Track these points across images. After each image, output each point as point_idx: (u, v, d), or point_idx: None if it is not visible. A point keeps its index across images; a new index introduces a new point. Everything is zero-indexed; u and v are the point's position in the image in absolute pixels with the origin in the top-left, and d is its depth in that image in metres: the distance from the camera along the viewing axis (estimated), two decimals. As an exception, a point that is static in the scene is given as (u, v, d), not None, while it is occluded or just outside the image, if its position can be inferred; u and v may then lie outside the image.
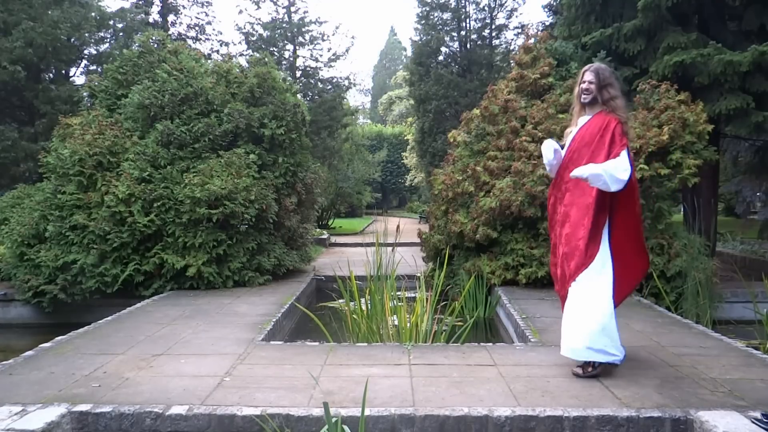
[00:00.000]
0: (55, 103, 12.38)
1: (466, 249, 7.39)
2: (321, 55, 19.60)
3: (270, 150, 7.83)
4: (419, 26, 18.94)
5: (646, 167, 6.29)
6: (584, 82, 3.73)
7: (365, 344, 4.62)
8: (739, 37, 7.89)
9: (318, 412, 3.04)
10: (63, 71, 13.87)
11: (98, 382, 3.59)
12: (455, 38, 18.89)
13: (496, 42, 19.05)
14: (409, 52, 24.13)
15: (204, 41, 19.89)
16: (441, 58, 18.88)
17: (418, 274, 6.31)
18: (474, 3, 18.85)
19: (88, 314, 6.44)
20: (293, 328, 6.17)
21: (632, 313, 5.49)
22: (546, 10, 14.60)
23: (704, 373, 3.69)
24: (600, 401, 3.22)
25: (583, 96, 3.74)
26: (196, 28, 19.79)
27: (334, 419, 2.74)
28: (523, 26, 18.75)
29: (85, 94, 11.98)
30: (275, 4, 19.27)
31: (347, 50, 19.80)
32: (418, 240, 8.51)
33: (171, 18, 19.51)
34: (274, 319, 5.40)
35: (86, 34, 13.36)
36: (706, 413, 2.99)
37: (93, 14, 13.60)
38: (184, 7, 19.66)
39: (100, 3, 14.69)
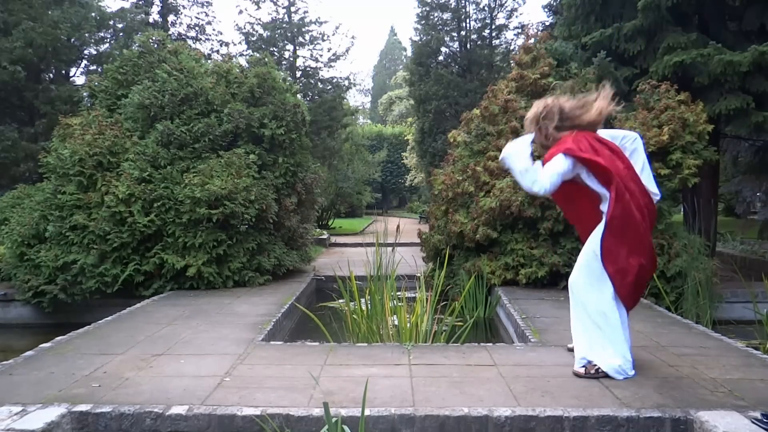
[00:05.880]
0: (55, 103, 12.38)
1: (466, 249, 7.39)
2: (321, 55, 19.61)
3: (270, 150, 7.83)
4: (419, 26, 18.95)
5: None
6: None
7: (365, 344, 4.62)
8: (739, 37, 7.88)
9: (318, 412, 3.04)
10: (63, 71, 13.88)
11: (98, 382, 3.59)
12: (455, 38, 18.90)
13: (496, 42, 19.07)
14: (409, 52, 24.14)
15: (204, 41, 19.91)
16: (441, 58, 18.90)
17: (418, 274, 6.31)
18: (474, 3, 18.86)
19: (88, 314, 6.44)
20: (293, 328, 6.17)
21: (632, 313, 5.46)
22: (546, 10, 14.62)
23: (704, 373, 3.69)
24: (600, 401, 3.21)
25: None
26: (196, 28, 19.79)
27: (334, 419, 2.74)
28: (523, 26, 18.76)
29: (85, 94, 11.98)
30: (275, 4, 19.29)
31: (347, 50, 19.80)
32: (418, 240, 8.51)
33: (171, 18, 19.52)
34: (274, 319, 5.40)
35: (86, 34, 13.37)
36: (706, 413, 2.98)
37: (93, 14, 13.62)
38: (184, 7, 19.67)
39: (100, 3, 14.70)
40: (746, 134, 9.63)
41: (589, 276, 3.63)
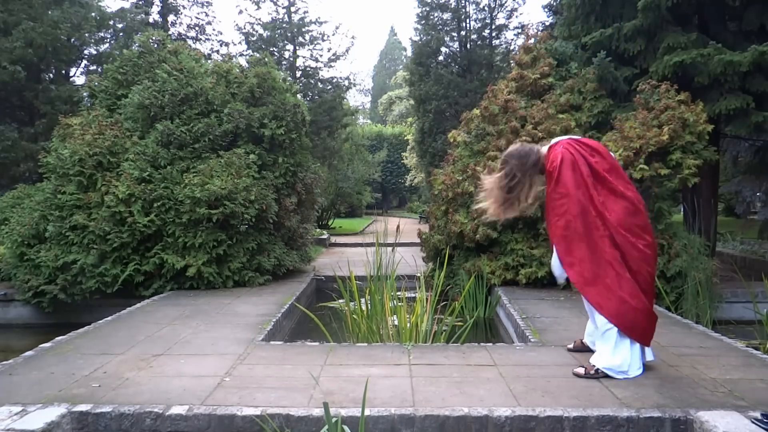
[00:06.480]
0: (55, 103, 12.39)
1: (466, 249, 7.38)
2: (321, 56, 19.61)
3: (270, 150, 7.82)
4: (419, 26, 18.95)
5: (646, 167, 6.29)
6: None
7: (365, 344, 4.62)
8: (739, 37, 7.87)
9: (318, 412, 3.04)
10: (63, 71, 13.89)
11: (98, 382, 3.59)
12: (455, 38, 18.89)
13: (496, 42, 19.06)
14: (409, 52, 24.14)
15: (204, 41, 19.92)
16: (441, 58, 18.89)
17: (418, 274, 6.31)
18: (474, 3, 18.85)
19: (88, 314, 6.44)
20: (293, 328, 6.17)
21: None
22: (546, 10, 14.63)
23: (704, 373, 3.69)
24: (600, 401, 3.22)
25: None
26: (196, 28, 19.81)
27: (334, 419, 2.74)
28: (523, 26, 18.75)
29: (85, 94, 11.99)
30: (275, 4, 19.28)
31: (347, 50, 19.79)
32: (418, 240, 8.50)
33: (171, 18, 19.53)
34: (274, 319, 5.40)
35: (86, 34, 13.38)
36: (706, 413, 2.99)
37: (93, 14, 13.62)
38: (184, 7, 19.69)
39: (100, 3, 14.70)
40: (746, 134, 9.62)
41: None
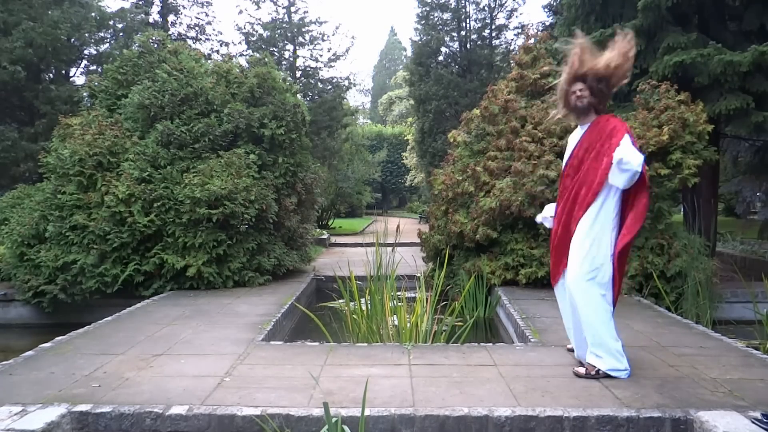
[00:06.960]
0: (55, 103, 12.39)
1: (466, 249, 7.39)
2: (321, 56, 19.64)
3: (270, 150, 7.83)
4: (419, 26, 18.98)
5: (646, 167, 6.29)
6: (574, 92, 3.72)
7: (365, 344, 4.62)
8: (739, 37, 7.88)
9: (318, 412, 3.04)
10: (63, 71, 13.89)
11: (98, 382, 3.59)
12: (455, 38, 18.92)
13: (496, 42, 19.09)
14: (409, 52, 24.16)
15: (204, 41, 19.93)
16: (441, 58, 18.92)
17: (418, 274, 6.31)
18: (474, 3, 18.89)
19: (88, 314, 6.44)
20: (293, 328, 6.17)
21: (632, 313, 5.49)
22: (546, 10, 14.64)
23: (704, 373, 3.69)
24: (600, 401, 3.22)
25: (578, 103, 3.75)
26: (196, 28, 19.82)
27: (334, 419, 2.74)
28: (523, 26, 18.79)
29: (85, 94, 11.97)
30: (275, 4, 19.31)
31: (347, 50, 19.83)
32: (418, 240, 8.51)
33: (171, 18, 19.54)
34: (274, 319, 5.40)
35: (86, 34, 13.38)
36: (706, 413, 2.99)
37: (93, 14, 13.63)
38: (184, 7, 19.70)
39: (100, 3, 14.71)
40: (746, 134, 9.63)
41: (592, 271, 3.62)
